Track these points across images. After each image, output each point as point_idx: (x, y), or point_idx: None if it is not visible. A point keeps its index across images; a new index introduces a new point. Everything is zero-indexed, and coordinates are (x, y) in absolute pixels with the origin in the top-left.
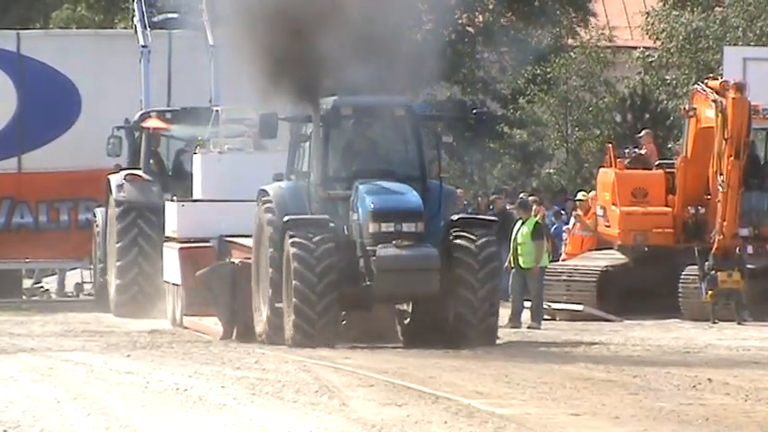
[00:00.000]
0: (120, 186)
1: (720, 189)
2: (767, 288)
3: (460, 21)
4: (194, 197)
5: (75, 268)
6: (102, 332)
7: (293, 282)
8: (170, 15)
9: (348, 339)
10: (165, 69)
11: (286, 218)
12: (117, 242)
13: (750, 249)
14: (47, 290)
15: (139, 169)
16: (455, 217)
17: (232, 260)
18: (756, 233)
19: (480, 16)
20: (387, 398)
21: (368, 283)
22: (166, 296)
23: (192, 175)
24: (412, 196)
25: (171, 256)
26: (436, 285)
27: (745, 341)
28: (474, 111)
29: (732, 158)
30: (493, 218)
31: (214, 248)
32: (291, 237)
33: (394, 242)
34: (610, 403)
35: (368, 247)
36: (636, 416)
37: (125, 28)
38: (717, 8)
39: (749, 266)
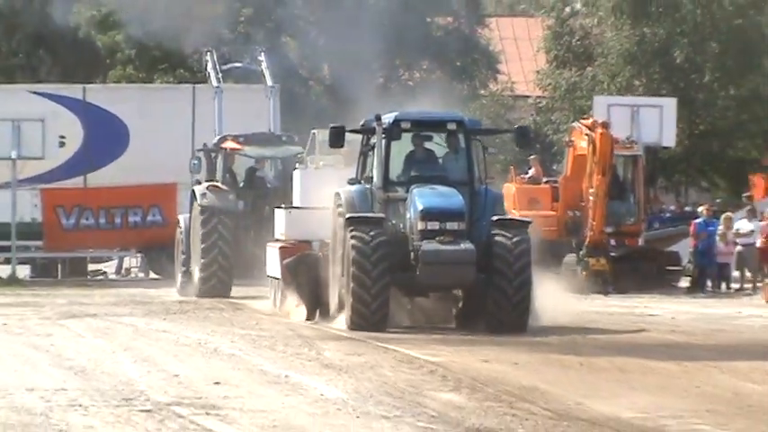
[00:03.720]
0: (203, 195)
1: (591, 198)
2: (625, 270)
3: (403, 77)
4: (294, 205)
5: (124, 256)
6: (144, 302)
7: (351, 269)
8: (236, 64)
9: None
10: (189, 117)
11: (347, 215)
12: (201, 243)
13: (613, 242)
14: (105, 272)
15: (218, 182)
16: (495, 218)
17: (315, 251)
18: (617, 230)
19: (417, 73)
20: (351, 350)
21: (417, 273)
22: (270, 288)
23: (259, 185)
24: (457, 199)
25: (272, 254)
26: (472, 277)
27: (609, 308)
28: (517, 126)
29: (600, 176)
30: (528, 219)
31: (308, 247)
32: (351, 232)
33: (438, 238)
34: (511, 352)
35: (416, 242)
36: (530, 362)
37: (161, 83)
38: (588, 68)
39: (612, 254)
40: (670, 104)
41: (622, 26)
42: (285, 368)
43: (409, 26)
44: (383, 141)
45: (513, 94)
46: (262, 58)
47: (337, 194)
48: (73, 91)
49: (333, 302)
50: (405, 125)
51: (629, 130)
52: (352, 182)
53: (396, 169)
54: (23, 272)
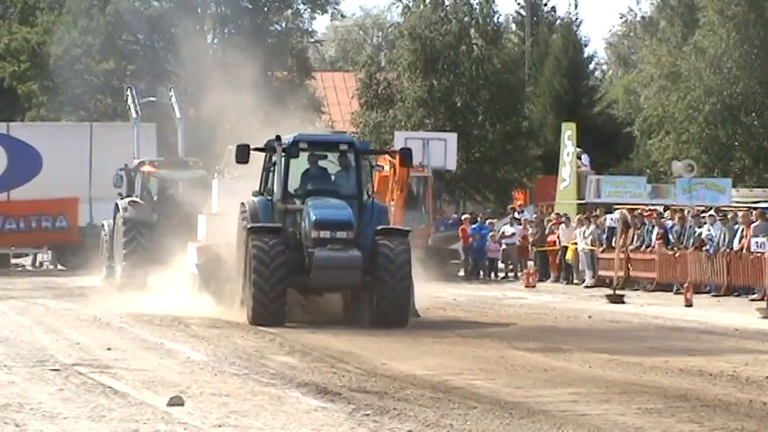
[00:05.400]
0: (125, 209)
1: (392, 209)
2: (419, 263)
3: (249, 117)
4: (213, 211)
5: (38, 253)
6: (53, 288)
7: (252, 275)
8: (151, 99)
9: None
10: (88, 148)
11: (249, 225)
12: (123, 248)
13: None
14: (23, 265)
15: (137, 197)
16: (379, 227)
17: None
18: (411, 232)
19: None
20: (211, 323)
21: (310, 276)
22: (190, 281)
23: (170, 201)
24: (346, 211)
25: (192, 252)
26: (359, 279)
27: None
28: (401, 148)
29: (398, 192)
30: (407, 228)
31: (219, 246)
32: (253, 239)
33: (328, 246)
34: (332, 325)
35: (309, 249)
36: (347, 333)
37: (66, 121)
38: (390, 110)
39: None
40: (452, 138)
41: (416, 78)
42: (160, 337)
43: (254, 78)
44: (283, 159)
45: (333, 131)
46: (172, 93)
47: (242, 204)
48: None
49: (236, 297)
50: (302, 145)
51: (421, 158)
52: (255, 194)
53: (294, 183)
54: None
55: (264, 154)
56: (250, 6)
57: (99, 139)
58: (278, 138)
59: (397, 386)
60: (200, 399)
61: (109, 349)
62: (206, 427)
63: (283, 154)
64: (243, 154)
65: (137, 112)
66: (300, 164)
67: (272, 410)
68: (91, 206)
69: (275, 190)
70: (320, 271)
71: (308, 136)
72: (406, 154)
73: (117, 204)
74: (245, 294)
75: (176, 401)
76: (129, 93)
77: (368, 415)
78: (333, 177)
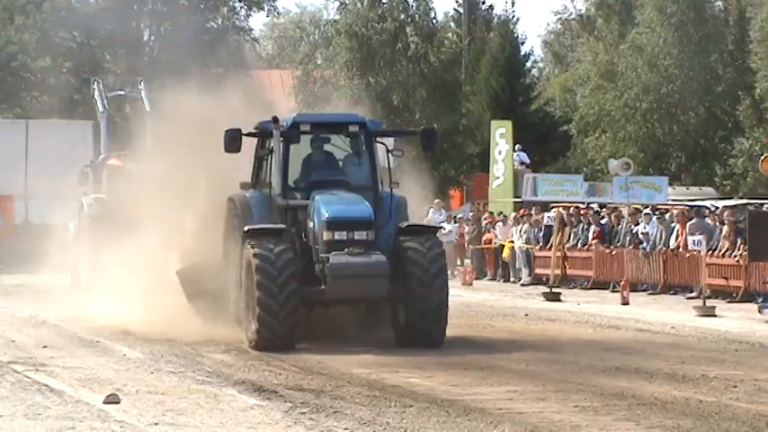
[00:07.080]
0: (90, 205)
1: None
2: None
3: None
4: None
5: None
6: None
7: (256, 291)
8: (119, 93)
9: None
10: (23, 146)
11: (246, 228)
12: (90, 249)
13: None
14: None
15: (102, 193)
16: (403, 224)
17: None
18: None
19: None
20: (146, 321)
21: (323, 286)
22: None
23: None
24: (364, 206)
25: (172, 257)
26: (385, 290)
27: None
28: (422, 128)
29: None
30: (436, 225)
31: (204, 251)
32: (253, 247)
33: (346, 250)
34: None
35: (322, 254)
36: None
37: (2, 119)
38: (327, 108)
39: None
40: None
41: (353, 77)
42: (96, 335)
43: (191, 75)
44: (281, 145)
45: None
46: (141, 86)
47: (231, 200)
48: None
49: (229, 313)
50: (304, 127)
51: None
52: (244, 186)
53: (294, 174)
54: None
55: (256, 140)
56: (186, 3)
57: (35, 137)
58: (275, 119)
59: (333, 384)
60: (137, 397)
61: (45, 347)
62: (142, 425)
63: (281, 138)
64: (233, 140)
65: (103, 105)
66: (301, 150)
67: (208, 408)
68: (26, 204)
69: (273, 182)
70: (338, 281)
71: (310, 116)
72: (428, 134)
73: (81, 201)
74: (244, 312)
75: (112, 399)
76: (95, 86)
77: (304, 413)
78: (341, 165)
